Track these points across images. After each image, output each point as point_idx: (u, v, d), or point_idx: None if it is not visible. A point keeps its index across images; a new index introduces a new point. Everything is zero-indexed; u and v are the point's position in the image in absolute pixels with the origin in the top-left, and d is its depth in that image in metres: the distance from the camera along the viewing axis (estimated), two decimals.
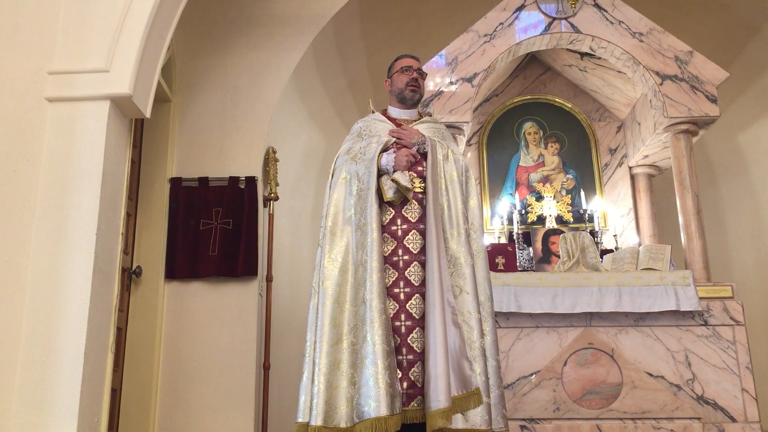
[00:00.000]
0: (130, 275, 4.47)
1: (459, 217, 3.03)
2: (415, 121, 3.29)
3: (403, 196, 3.01)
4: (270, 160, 5.07)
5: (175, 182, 4.80)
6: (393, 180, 2.99)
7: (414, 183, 3.05)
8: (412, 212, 3.04)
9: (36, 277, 2.95)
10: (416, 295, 2.92)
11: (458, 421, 2.73)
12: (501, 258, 5.43)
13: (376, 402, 2.65)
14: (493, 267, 5.29)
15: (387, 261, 2.98)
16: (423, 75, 3.32)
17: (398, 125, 3.24)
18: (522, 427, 4.28)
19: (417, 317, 2.89)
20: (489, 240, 5.85)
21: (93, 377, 2.96)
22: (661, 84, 5.17)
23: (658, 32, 5.31)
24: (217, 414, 4.43)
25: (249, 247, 4.67)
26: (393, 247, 3.00)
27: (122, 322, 4.36)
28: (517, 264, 5.52)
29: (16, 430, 2.79)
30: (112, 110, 3.19)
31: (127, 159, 3.42)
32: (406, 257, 2.98)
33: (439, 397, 2.68)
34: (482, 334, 2.90)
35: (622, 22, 5.33)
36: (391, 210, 3.05)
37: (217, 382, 4.49)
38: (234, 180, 4.81)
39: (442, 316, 2.79)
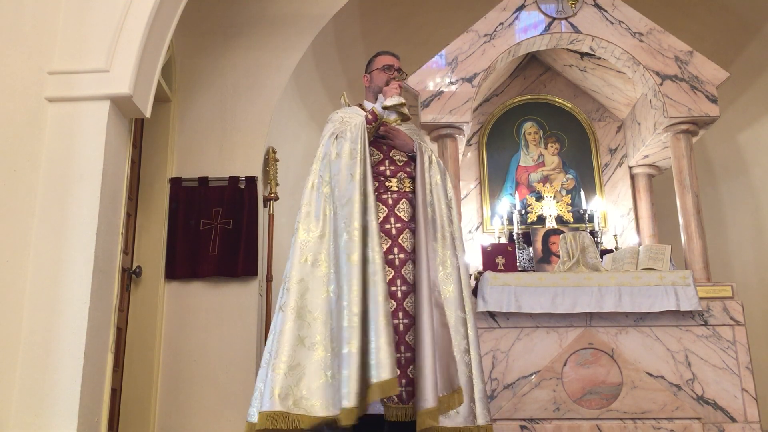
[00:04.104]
0: (130, 275, 4.47)
1: (444, 220, 3.09)
2: (393, 121, 3.29)
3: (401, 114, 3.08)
4: (270, 160, 5.07)
5: (175, 182, 4.80)
6: (384, 108, 3.04)
7: (404, 183, 3.10)
8: (404, 211, 3.08)
9: (36, 278, 2.96)
10: (411, 293, 2.95)
11: (445, 419, 2.76)
12: (501, 258, 5.42)
13: None
14: (493, 267, 5.29)
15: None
16: (404, 75, 3.33)
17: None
18: (522, 427, 4.28)
19: (413, 315, 2.92)
20: (489, 240, 5.85)
21: (93, 377, 2.96)
22: (661, 84, 5.17)
23: (658, 32, 5.30)
24: (217, 414, 4.43)
25: (249, 247, 4.67)
26: (388, 246, 3.03)
27: (122, 322, 4.36)
28: (517, 264, 5.51)
29: (16, 430, 2.79)
30: (112, 110, 3.19)
31: (127, 159, 3.43)
32: (401, 256, 3.01)
33: (426, 396, 2.70)
34: (466, 333, 2.96)
35: (622, 22, 5.33)
36: (384, 208, 3.08)
37: (217, 382, 4.49)
38: (234, 180, 4.81)
39: (430, 316, 2.82)
